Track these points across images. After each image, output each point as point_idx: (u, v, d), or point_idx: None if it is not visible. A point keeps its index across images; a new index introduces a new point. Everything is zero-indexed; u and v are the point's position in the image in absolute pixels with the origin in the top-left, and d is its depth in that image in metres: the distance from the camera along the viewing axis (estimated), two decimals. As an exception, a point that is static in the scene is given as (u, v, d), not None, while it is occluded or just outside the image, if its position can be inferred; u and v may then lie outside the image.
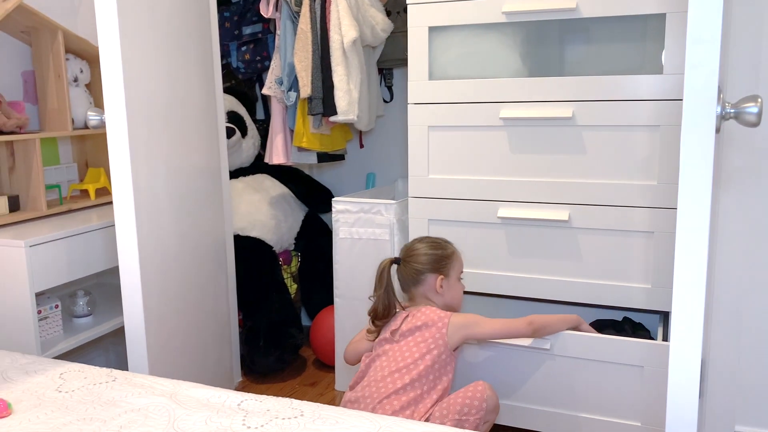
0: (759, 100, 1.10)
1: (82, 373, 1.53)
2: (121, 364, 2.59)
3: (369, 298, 1.92)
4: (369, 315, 1.89)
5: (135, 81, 1.73)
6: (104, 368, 1.55)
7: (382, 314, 1.85)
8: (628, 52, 2.02)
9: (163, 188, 1.90)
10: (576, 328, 1.95)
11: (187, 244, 2.04)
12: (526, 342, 1.96)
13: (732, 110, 1.11)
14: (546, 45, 2.13)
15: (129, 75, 1.69)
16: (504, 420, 2.07)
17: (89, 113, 1.68)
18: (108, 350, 2.64)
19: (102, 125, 1.69)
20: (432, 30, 2.17)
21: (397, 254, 2.28)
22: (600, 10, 1.96)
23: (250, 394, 1.40)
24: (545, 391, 2.02)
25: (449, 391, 1.79)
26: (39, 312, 1.96)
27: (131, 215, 1.70)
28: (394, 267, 1.90)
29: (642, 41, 1.99)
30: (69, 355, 2.20)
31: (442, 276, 1.86)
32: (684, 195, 1.12)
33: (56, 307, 2.03)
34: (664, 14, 1.89)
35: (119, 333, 2.33)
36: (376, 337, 1.86)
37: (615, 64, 2.04)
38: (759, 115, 1.09)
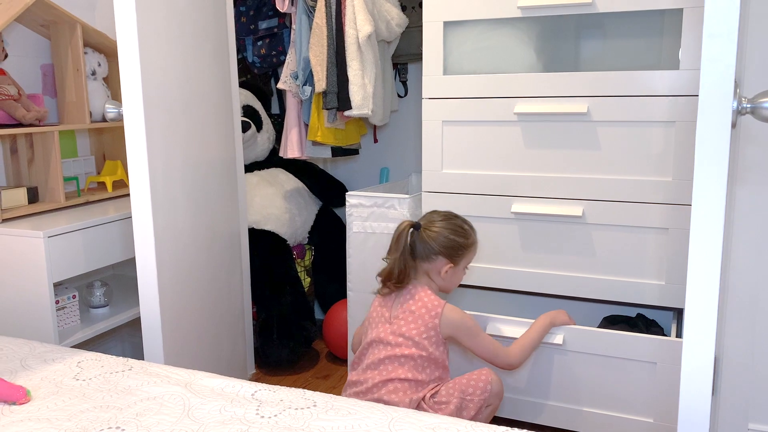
0: (776, 95, 1.09)
1: (99, 361, 1.55)
2: (137, 354, 2.63)
3: (383, 260, 1.87)
4: (379, 276, 1.84)
5: (152, 74, 1.75)
6: (121, 357, 1.58)
7: (397, 278, 1.79)
8: (644, 47, 2.01)
9: (180, 181, 1.92)
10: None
11: (203, 237, 2.06)
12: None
13: (748, 105, 1.11)
14: (561, 40, 2.12)
15: (146, 68, 1.71)
16: (515, 415, 2.08)
17: (107, 106, 1.70)
18: (124, 340, 2.67)
19: (119, 117, 1.71)
20: (447, 25, 2.17)
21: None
22: (616, 4, 1.95)
23: (263, 385, 1.42)
24: (557, 387, 2.02)
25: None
26: (57, 302, 1.99)
27: (148, 207, 1.72)
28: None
29: (658, 36, 1.98)
30: (85, 345, 2.24)
31: (452, 264, 1.82)
32: (698, 191, 1.12)
33: (74, 297, 2.06)
34: (681, 9, 1.88)
35: (135, 324, 2.36)
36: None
37: (631, 60, 2.03)
38: (776, 110, 1.09)
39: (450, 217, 1.86)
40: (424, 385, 1.73)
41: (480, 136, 2.17)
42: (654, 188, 1.98)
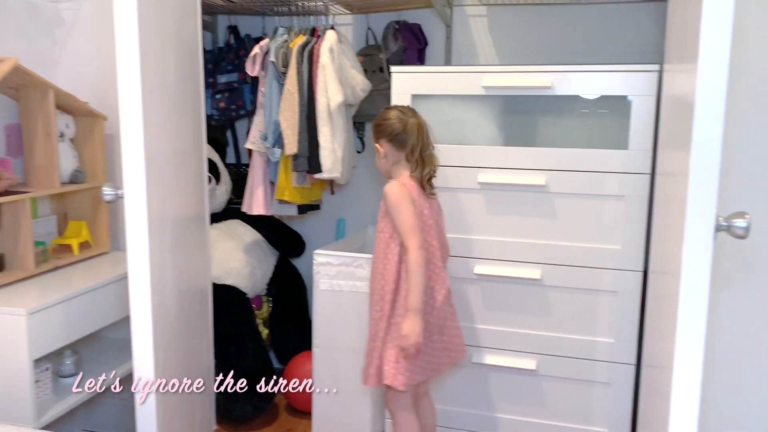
0: (747, 216, 1.29)
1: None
2: (104, 410, 2.54)
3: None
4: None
5: (151, 153, 1.75)
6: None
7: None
8: (598, 127, 2.21)
9: (169, 244, 1.91)
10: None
11: (181, 295, 2.05)
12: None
13: (724, 223, 1.30)
14: (522, 117, 2.30)
15: (147, 141, 1.72)
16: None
17: (104, 189, 1.69)
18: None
19: (117, 199, 1.70)
20: (415, 97, 2.30)
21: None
22: (573, 89, 2.16)
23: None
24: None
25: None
26: (31, 377, 1.93)
27: (147, 290, 1.71)
28: None
29: (610, 119, 2.20)
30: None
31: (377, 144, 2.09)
32: (685, 296, 1.29)
33: (47, 369, 1.99)
34: (630, 97, 2.10)
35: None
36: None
37: (586, 138, 2.23)
38: (747, 229, 1.28)
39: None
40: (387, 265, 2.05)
41: (445, 201, 2.30)
42: (605, 255, 2.19)
